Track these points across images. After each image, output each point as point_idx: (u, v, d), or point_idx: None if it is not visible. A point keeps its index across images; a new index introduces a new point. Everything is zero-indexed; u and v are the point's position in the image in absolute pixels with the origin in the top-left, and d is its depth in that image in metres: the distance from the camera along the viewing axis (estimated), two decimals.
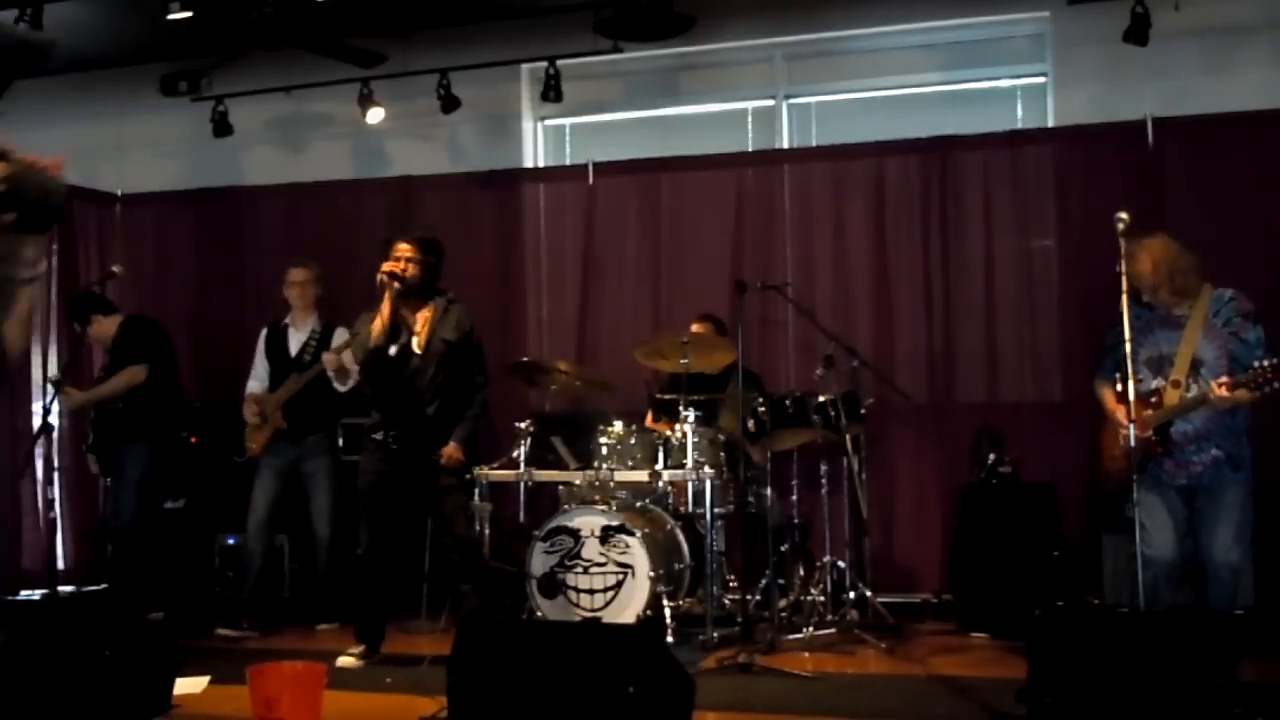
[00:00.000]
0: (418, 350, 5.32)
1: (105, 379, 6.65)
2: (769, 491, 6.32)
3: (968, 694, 4.60)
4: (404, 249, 5.36)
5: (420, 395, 5.36)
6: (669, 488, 6.04)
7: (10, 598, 6.19)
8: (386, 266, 5.30)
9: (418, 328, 5.34)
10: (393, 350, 5.34)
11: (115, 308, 6.82)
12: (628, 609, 5.54)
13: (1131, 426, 4.34)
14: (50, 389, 6.41)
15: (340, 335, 6.27)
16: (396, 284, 5.26)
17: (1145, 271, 4.58)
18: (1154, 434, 4.52)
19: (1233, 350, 4.53)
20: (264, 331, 6.70)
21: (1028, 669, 3.70)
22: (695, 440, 5.80)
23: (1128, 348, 4.29)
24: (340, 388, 6.29)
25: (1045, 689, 3.63)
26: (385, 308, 5.29)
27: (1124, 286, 4.32)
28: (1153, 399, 4.56)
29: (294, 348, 6.53)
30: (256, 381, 6.59)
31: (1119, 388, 4.61)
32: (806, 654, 5.48)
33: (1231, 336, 4.54)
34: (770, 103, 7.83)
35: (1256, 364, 4.31)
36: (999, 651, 5.57)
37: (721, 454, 6.01)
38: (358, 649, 5.38)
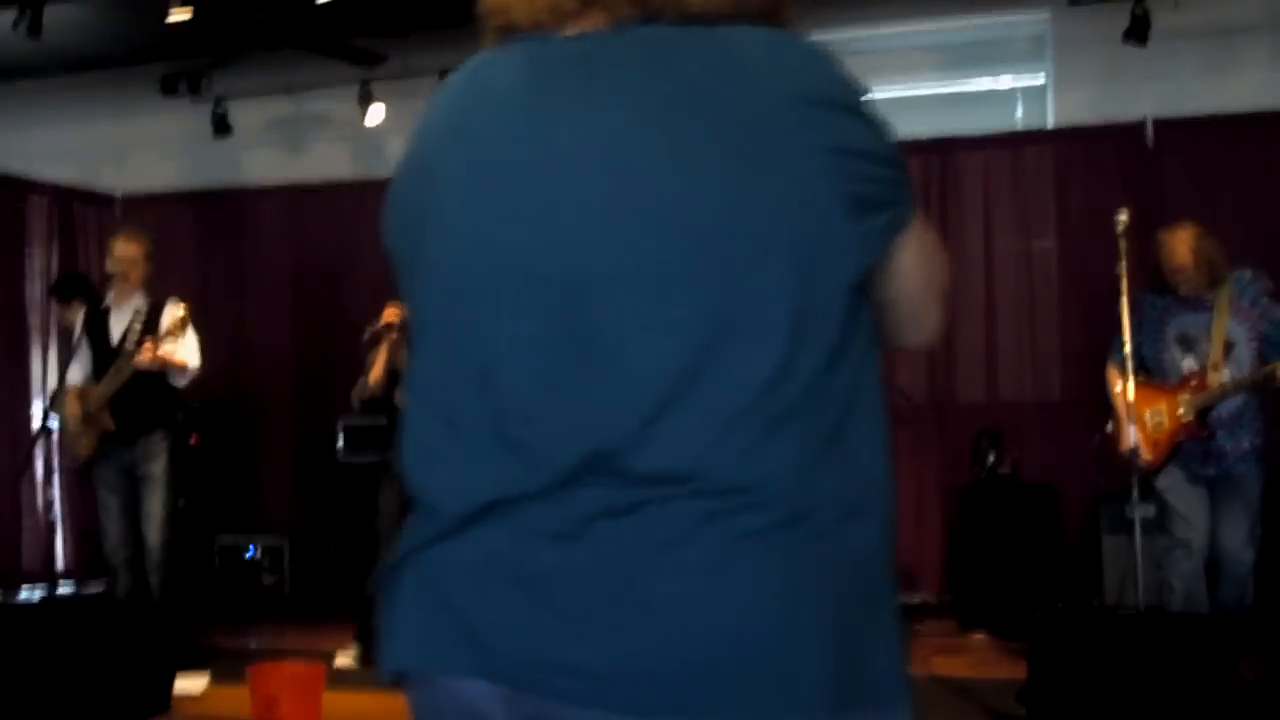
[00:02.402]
0: None
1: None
2: None
3: (968, 694, 4.60)
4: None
5: None
6: None
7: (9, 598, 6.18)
8: (385, 318, 5.29)
9: None
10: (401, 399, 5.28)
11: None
12: None
13: (1133, 429, 4.34)
14: (47, 400, 6.34)
15: (171, 313, 5.38)
16: (395, 334, 5.25)
17: (1186, 263, 4.55)
18: (1195, 416, 4.52)
19: (1264, 331, 4.53)
20: (83, 310, 5.68)
21: (1028, 669, 3.71)
22: None
23: (1128, 348, 4.29)
24: (179, 383, 5.40)
25: (1045, 689, 3.63)
26: (382, 355, 5.30)
27: (1123, 287, 4.31)
28: (1192, 381, 4.56)
29: (115, 333, 5.46)
30: (79, 369, 5.47)
31: (1130, 372, 4.59)
32: None
33: (1260, 318, 4.54)
34: None
35: None
36: (999, 651, 5.57)
37: None
38: (355, 649, 5.37)
